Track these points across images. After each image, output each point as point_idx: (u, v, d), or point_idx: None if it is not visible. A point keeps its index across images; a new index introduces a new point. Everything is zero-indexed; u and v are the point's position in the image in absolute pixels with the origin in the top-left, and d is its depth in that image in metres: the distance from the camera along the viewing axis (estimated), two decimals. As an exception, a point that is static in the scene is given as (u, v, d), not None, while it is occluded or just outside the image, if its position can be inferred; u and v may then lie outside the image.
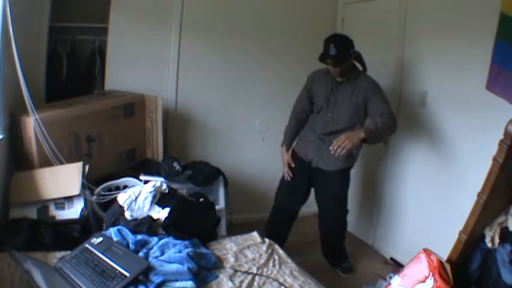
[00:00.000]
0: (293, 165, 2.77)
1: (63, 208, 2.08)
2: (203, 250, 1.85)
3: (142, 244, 1.81)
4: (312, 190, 2.84)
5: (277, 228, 2.86)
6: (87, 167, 2.24)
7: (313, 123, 2.74)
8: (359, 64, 2.63)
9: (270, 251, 1.99)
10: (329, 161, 2.64)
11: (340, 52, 2.42)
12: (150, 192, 2.05)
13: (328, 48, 2.43)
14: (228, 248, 1.98)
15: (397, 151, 3.02)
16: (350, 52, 2.47)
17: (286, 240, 2.86)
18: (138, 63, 3.04)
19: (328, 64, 2.48)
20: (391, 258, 3.03)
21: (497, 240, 1.76)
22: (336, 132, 2.55)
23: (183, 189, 2.50)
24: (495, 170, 1.64)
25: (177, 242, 1.85)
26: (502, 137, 1.62)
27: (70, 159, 2.29)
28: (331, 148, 2.37)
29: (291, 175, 2.77)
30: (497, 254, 1.74)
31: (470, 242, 1.78)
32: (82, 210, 2.08)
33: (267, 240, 2.10)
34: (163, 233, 1.94)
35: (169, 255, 1.73)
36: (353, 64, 2.58)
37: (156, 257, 1.72)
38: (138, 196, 2.03)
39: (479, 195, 1.70)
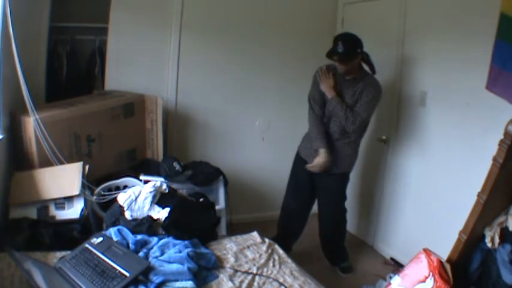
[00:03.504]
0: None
1: (63, 208, 2.08)
2: (203, 250, 1.85)
3: (142, 244, 1.81)
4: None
5: (286, 228, 2.92)
6: (87, 167, 2.24)
7: None
8: (367, 65, 2.63)
9: (270, 251, 1.99)
10: None
11: (348, 50, 2.45)
12: (150, 192, 2.05)
13: (337, 45, 2.47)
14: (228, 248, 1.98)
15: (397, 151, 3.02)
16: (357, 51, 2.49)
17: (295, 239, 2.93)
18: (138, 63, 3.04)
19: (334, 60, 2.51)
20: (391, 258, 3.02)
21: (497, 240, 1.76)
22: (333, 128, 2.59)
23: (183, 189, 2.50)
24: (495, 170, 1.64)
25: (177, 242, 1.85)
26: (502, 137, 1.62)
27: (70, 159, 2.29)
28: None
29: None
30: (497, 254, 1.74)
31: (470, 242, 1.78)
32: (82, 210, 2.08)
33: (267, 240, 2.10)
34: (163, 233, 1.94)
35: (169, 255, 1.73)
36: (360, 64, 2.59)
37: (156, 257, 1.72)
38: (138, 196, 2.03)
39: (479, 195, 1.70)
